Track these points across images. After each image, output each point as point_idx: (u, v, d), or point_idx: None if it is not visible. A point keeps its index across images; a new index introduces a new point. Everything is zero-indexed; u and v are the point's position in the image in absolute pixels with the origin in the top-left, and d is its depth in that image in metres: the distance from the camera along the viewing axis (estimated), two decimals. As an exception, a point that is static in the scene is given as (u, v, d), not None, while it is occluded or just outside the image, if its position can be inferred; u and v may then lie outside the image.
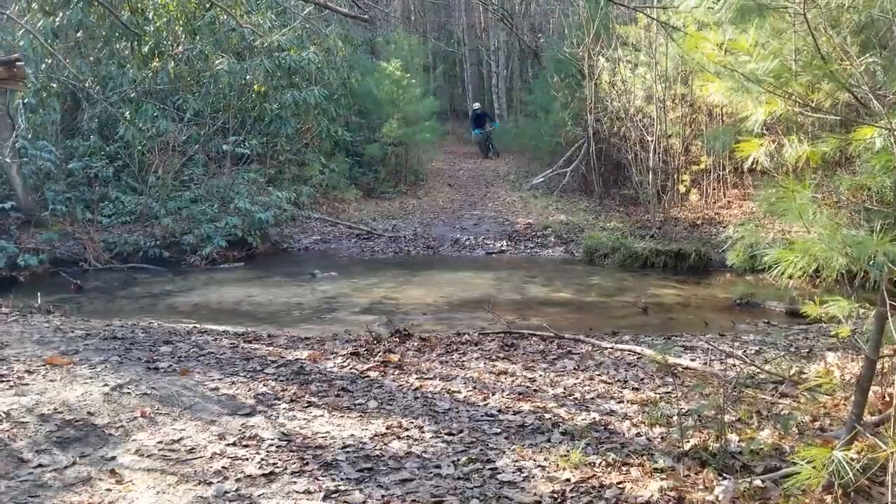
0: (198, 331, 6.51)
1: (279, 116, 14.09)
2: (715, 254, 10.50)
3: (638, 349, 5.76)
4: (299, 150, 15.29)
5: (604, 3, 13.56)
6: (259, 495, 3.14)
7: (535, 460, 3.52)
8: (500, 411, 4.28)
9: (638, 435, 3.87)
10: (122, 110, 12.84)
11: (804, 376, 4.55)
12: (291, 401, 4.42)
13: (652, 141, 12.98)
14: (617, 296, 9.23)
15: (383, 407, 4.36)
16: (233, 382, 4.72)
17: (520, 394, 4.63)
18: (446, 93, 24.92)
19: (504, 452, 3.63)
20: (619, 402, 4.47)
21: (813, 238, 2.94)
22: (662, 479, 3.24)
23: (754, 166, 3.49)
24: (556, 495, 3.14)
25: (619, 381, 4.97)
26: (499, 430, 3.96)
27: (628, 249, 11.23)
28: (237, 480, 3.28)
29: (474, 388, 4.77)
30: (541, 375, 5.09)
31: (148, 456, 3.53)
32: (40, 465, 3.37)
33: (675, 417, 3.88)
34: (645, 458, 3.50)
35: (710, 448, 3.51)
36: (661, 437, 3.81)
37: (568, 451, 3.57)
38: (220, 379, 4.79)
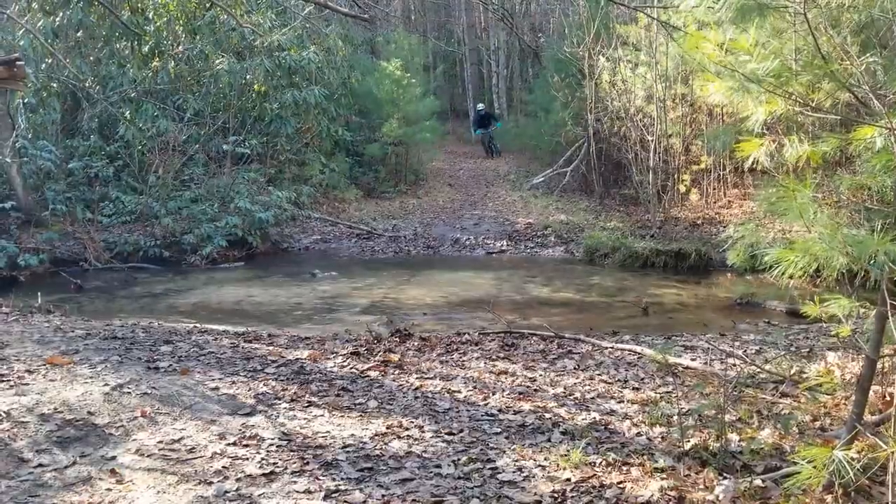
0: (198, 330, 6.51)
1: (279, 116, 14.09)
2: (715, 253, 10.50)
3: (638, 349, 5.76)
4: (299, 149, 15.30)
5: (604, 2, 13.55)
6: (259, 495, 3.14)
7: (535, 460, 3.52)
8: (500, 411, 4.28)
9: (638, 434, 3.87)
10: (122, 110, 12.84)
11: (805, 376, 4.55)
12: (292, 400, 4.42)
13: (652, 140, 12.97)
14: (617, 296, 9.23)
15: (383, 406, 4.36)
16: (233, 382, 4.72)
17: (520, 393, 4.63)
18: (446, 92, 24.92)
19: (504, 452, 3.63)
20: (619, 402, 4.47)
21: (813, 237, 2.93)
22: (663, 479, 3.24)
23: (755, 166, 3.49)
24: (556, 495, 3.14)
25: (619, 380, 4.97)
26: (499, 430, 3.96)
27: (628, 249, 11.23)
28: (237, 480, 3.28)
29: (474, 387, 4.77)
30: (541, 375, 5.09)
31: (148, 455, 3.53)
32: (40, 465, 3.37)
33: (676, 417, 3.88)
34: (645, 457, 3.50)
35: (711, 448, 3.51)
36: (662, 437, 3.81)
37: (568, 451, 3.57)
38: (220, 378, 4.79)
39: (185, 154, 13.56)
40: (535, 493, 3.15)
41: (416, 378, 4.98)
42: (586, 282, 10.15)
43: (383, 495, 3.14)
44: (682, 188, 13.06)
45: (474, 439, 3.82)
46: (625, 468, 3.39)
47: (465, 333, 6.58)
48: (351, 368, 5.21)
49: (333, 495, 3.14)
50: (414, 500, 3.10)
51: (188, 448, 3.63)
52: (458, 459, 3.54)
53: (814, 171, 4.91)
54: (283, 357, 5.45)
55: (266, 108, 14.04)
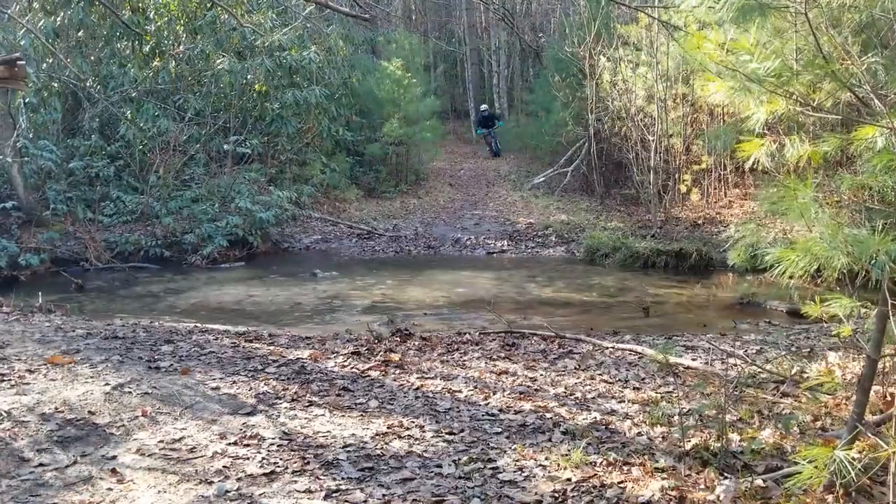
0: (199, 330, 6.51)
1: (280, 116, 14.09)
2: (716, 253, 10.50)
3: (639, 349, 5.76)
4: (300, 149, 15.30)
5: (605, 2, 13.56)
6: (260, 494, 3.14)
7: (536, 460, 3.52)
8: (501, 411, 4.28)
9: (639, 434, 3.87)
10: (123, 110, 12.85)
11: (805, 376, 4.55)
12: (292, 400, 4.42)
13: (653, 140, 12.97)
14: (618, 295, 9.23)
15: (384, 406, 4.36)
16: (234, 382, 4.72)
17: (521, 393, 4.63)
18: (447, 92, 24.89)
19: (505, 452, 3.63)
20: (620, 402, 4.47)
21: (814, 237, 2.93)
22: (663, 479, 3.24)
23: (755, 166, 3.49)
24: (557, 495, 3.14)
25: (620, 380, 4.97)
26: (500, 430, 3.96)
27: (629, 249, 11.23)
28: (238, 480, 3.28)
29: (475, 387, 4.77)
30: (542, 375, 5.09)
31: (149, 455, 3.53)
32: (41, 465, 3.37)
33: (677, 417, 3.88)
34: (646, 457, 3.50)
35: (712, 447, 3.51)
36: (663, 437, 3.80)
37: (569, 451, 3.57)
38: (221, 378, 4.79)
39: (185, 154, 13.57)
40: (536, 493, 3.15)
41: (417, 378, 4.98)
42: (587, 282, 10.15)
43: (384, 495, 3.14)
44: (683, 188, 13.06)
45: (475, 439, 3.82)
46: (626, 468, 3.39)
47: (465, 333, 6.58)
48: (352, 368, 5.21)
49: (334, 495, 3.14)
50: (415, 500, 3.10)
51: (189, 448, 3.63)
52: (459, 459, 3.53)
53: (815, 171, 4.91)
54: (283, 357, 5.46)
55: (267, 107, 14.05)
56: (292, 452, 3.60)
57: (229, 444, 3.69)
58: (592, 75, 14.59)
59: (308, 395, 4.51)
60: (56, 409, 3.97)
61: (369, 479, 3.31)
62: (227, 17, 12.70)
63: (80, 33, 12.94)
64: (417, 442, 3.78)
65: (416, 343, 6.05)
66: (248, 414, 4.15)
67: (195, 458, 3.51)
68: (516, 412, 4.25)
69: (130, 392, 4.33)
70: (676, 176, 13.26)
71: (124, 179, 13.17)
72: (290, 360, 5.37)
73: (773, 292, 8.50)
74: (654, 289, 9.40)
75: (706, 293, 9.43)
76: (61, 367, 4.79)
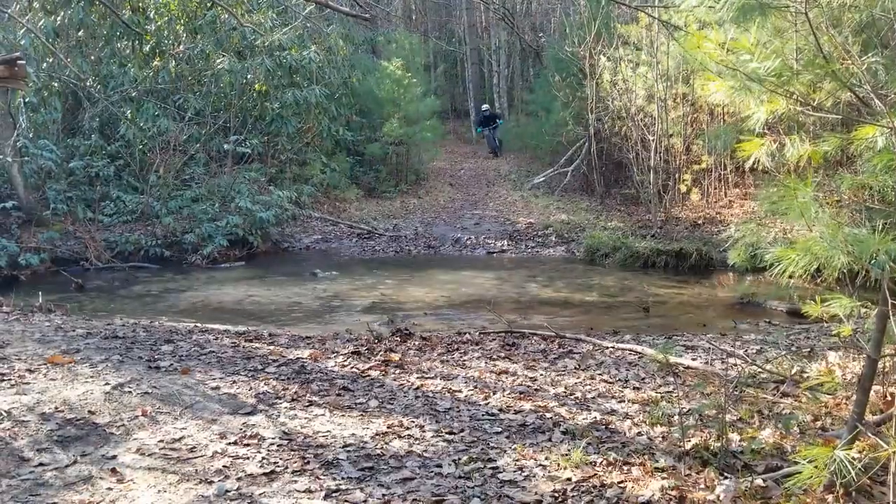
0: (199, 330, 6.51)
1: (280, 116, 14.09)
2: (716, 253, 10.50)
3: (639, 348, 5.76)
4: (300, 149, 15.30)
5: (605, 2, 13.56)
6: (260, 494, 3.14)
7: (536, 459, 3.52)
8: (501, 410, 4.28)
9: (639, 434, 3.87)
10: (123, 109, 12.85)
11: (806, 376, 4.55)
12: (292, 400, 4.41)
13: (653, 140, 12.97)
14: (618, 295, 9.23)
15: (384, 406, 4.36)
16: (234, 381, 4.72)
17: (521, 393, 4.63)
18: (447, 92, 24.89)
19: (505, 451, 3.63)
20: (620, 402, 4.47)
21: (815, 237, 2.93)
22: (663, 479, 3.23)
23: (756, 166, 3.49)
24: (557, 494, 3.14)
25: (620, 380, 4.97)
26: (500, 430, 3.96)
27: (629, 249, 11.23)
28: (238, 479, 3.28)
29: (475, 387, 4.77)
30: (542, 375, 5.09)
31: (149, 455, 3.53)
32: (41, 464, 3.37)
33: (677, 417, 3.88)
34: (646, 457, 3.50)
35: (712, 447, 3.51)
36: (663, 437, 3.80)
37: (569, 451, 3.57)
38: (221, 378, 4.79)
39: (185, 153, 13.57)
40: (536, 493, 3.15)
41: (417, 377, 4.98)
42: (587, 281, 10.15)
43: (384, 495, 3.14)
44: (683, 188, 13.06)
45: (475, 439, 3.82)
46: (625, 468, 3.39)
47: (465, 333, 6.58)
48: (352, 368, 5.21)
49: (334, 494, 3.14)
50: (415, 500, 3.10)
51: (189, 447, 3.63)
52: (459, 459, 3.53)
53: (815, 171, 4.90)
54: (283, 356, 5.45)
55: (267, 107, 14.05)
56: (292, 452, 3.59)
57: (229, 443, 3.69)
58: (593, 75, 14.59)
59: (308, 395, 4.51)
60: (56, 408, 3.97)
61: (369, 478, 3.31)
62: (227, 16, 12.70)
63: (80, 33, 12.95)
64: (417, 442, 3.78)
65: (416, 343, 6.05)
66: (248, 413, 4.14)
67: (195, 457, 3.51)
68: (516, 412, 4.25)
69: (130, 392, 4.32)
70: (676, 176, 13.26)
71: (124, 179, 13.17)
72: (290, 359, 5.37)
73: (773, 292, 8.50)
74: (654, 288, 9.40)
75: (706, 293, 9.43)
76: (61, 367, 4.79)
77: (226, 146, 13.52)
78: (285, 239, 13.48)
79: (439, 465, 3.46)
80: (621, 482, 3.23)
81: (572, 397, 4.57)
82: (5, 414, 3.82)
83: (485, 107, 21.00)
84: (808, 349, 5.65)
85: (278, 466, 3.42)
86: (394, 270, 11.28)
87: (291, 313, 8.31)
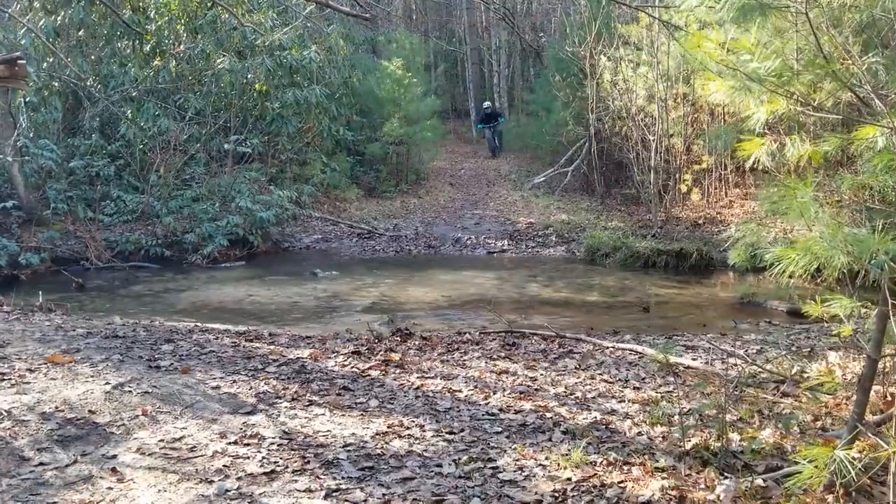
0: (199, 329, 6.52)
1: (280, 115, 14.09)
2: (716, 253, 10.50)
3: (639, 348, 5.76)
4: (301, 149, 15.30)
5: (605, 2, 13.56)
6: (260, 494, 3.14)
7: (536, 459, 3.52)
8: (501, 410, 4.28)
9: (639, 434, 3.87)
10: (123, 109, 12.85)
11: (806, 376, 4.55)
12: (293, 399, 4.42)
13: (654, 140, 12.97)
14: (618, 295, 9.23)
15: (384, 406, 4.36)
16: (234, 381, 4.73)
17: (521, 393, 4.63)
18: (448, 92, 24.90)
19: (505, 451, 3.63)
20: (620, 402, 4.47)
21: (815, 236, 2.93)
22: (664, 479, 3.23)
23: (756, 166, 3.49)
24: (557, 494, 3.14)
25: (620, 380, 4.97)
26: (500, 429, 3.96)
27: (630, 249, 11.23)
28: (238, 479, 3.28)
29: (475, 387, 4.77)
30: (542, 374, 5.09)
31: (149, 454, 3.53)
32: (41, 464, 3.37)
33: (677, 417, 3.88)
34: (646, 457, 3.50)
35: (712, 447, 3.51)
36: (663, 437, 3.80)
37: (569, 451, 3.57)
38: (221, 377, 4.79)
39: (186, 153, 13.57)
40: (536, 493, 3.15)
41: (417, 377, 4.98)
42: (587, 281, 10.15)
43: (384, 494, 3.14)
44: (684, 188, 13.06)
45: (475, 438, 3.82)
46: (626, 468, 3.39)
47: (465, 333, 6.58)
48: (352, 367, 5.21)
49: (334, 494, 3.14)
50: (415, 500, 3.10)
51: (189, 447, 3.63)
52: (459, 459, 3.54)
53: (815, 171, 4.91)
54: (284, 356, 5.46)
55: (267, 107, 14.05)
56: (292, 452, 3.60)
57: (229, 443, 3.69)
58: (593, 75, 14.59)
59: (308, 395, 4.51)
60: (56, 408, 3.97)
61: (369, 478, 3.31)
62: (227, 16, 12.70)
63: (80, 32, 12.95)
64: (417, 441, 3.78)
65: (417, 342, 6.05)
66: (249, 413, 4.15)
67: (195, 457, 3.51)
68: (516, 412, 4.25)
69: (131, 391, 4.33)
70: (677, 176, 13.26)
71: (125, 179, 13.18)
72: (291, 359, 5.37)
73: (773, 292, 8.50)
74: (654, 288, 9.41)
75: (706, 293, 9.43)
76: (61, 367, 4.79)
77: (226, 146, 13.52)
78: (285, 239, 13.48)
79: (439, 465, 3.46)
80: (621, 482, 3.23)
81: (572, 397, 4.58)
82: (5, 413, 3.83)
83: (486, 104, 21.01)
84: (809, 349, 5.65)
85: (278, 466, 3.42)
86: (394, 270, 11.28)
87: (292, 313, 8.31)
